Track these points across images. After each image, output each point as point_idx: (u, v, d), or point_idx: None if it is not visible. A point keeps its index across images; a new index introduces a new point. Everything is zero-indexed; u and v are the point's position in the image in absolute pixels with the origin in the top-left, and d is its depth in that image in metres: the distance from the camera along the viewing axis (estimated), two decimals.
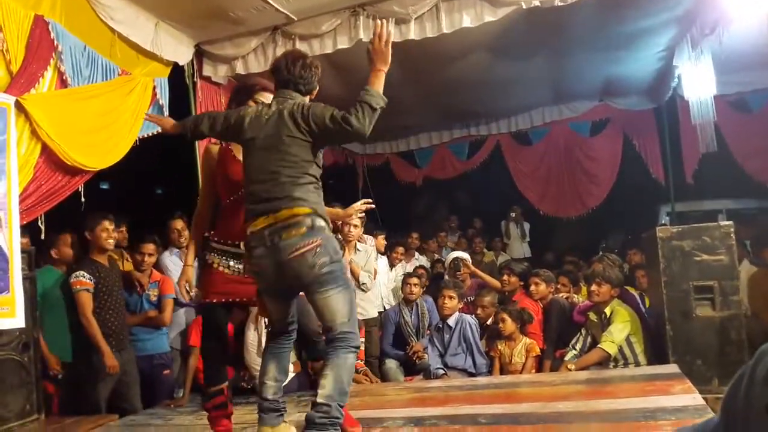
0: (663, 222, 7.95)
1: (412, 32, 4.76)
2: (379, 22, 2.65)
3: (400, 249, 6.61)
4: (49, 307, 4.05)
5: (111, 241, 4.11)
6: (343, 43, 4.91)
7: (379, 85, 2.59)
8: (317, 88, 2.74)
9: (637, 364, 4.06)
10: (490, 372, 4.51)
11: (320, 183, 2.60)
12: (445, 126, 8.82)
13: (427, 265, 6.80)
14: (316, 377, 3.12)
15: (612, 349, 4.06)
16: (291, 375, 4.33)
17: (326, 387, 2.34)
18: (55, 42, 3.99)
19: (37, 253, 4.01)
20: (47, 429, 3.54)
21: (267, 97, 2.90)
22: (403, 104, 7.17)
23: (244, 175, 2.61)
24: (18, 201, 3.63)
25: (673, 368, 3.64)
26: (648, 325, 4.29)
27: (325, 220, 2.52)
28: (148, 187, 10.31)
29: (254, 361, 4.27)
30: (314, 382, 4.11)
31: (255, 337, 4.26)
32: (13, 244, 3.56)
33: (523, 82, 6.88)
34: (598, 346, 4.11)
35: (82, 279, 3.92)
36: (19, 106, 3.68)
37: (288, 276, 2.45)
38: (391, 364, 4.91)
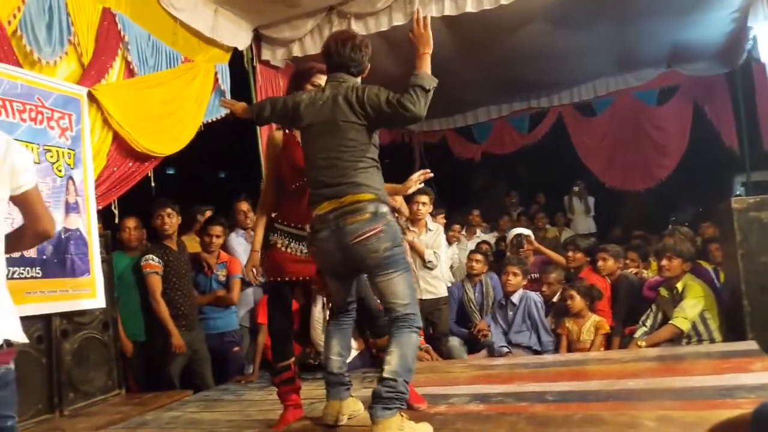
0: (738, 193, 7.60)
1: (469, 4, 4.69)
2: (416, 8, 2.64)
3: (457, 227, 6.57)
4: (122, 289, 4.24)
5: (167, 227, 4.25)
6: (399, 20, 4.88)
7: (427, 67, 2.56)
8: (368, 66, 2.73)
9: (712, 341, 3.92)
10: (556, 350, 4.44)
11: (379, 164, 2.62)
12: (505, 99, 8.66)
13: (492, 240, 6.75)
14: (379, 354, 3.16)
15: (685, 326, 3.92)
16: (354, 353, 4.40)
17: (392, 363, 2.38)
18: (122, 33, 4.13)
19: (111, 238, 4.20)
20: (128, 403, 3.72)
21: (324, 80, 2.89)
22: (461, 79, 7.08)
23: (305, 160, 2.64)
24: (94, 187, 3.81)
25: (751, 345, 3.49)
26: (723, 300, 4.13)
27: (388, 205, 2.56)
28: (212, 172, 10.58)
29: (320, 337, 4.35)
30: (377, 359, 4.16)
31: (321, 314, 4.34)
32: (92, 228, 3.74)
33: (585, 51, 6.66)
34: (670, 322, 3.98)
35: (152, 262, 4.09)
36: (91, 97, 3.85)
37: (351, 259, 2.49)
38: (455, 342, 4.90)
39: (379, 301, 2.60)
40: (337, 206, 2.49)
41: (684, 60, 7.33)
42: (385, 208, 2.52)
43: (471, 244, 6.26)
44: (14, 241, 1.82)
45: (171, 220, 4.30)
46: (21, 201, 1.73)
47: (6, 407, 1.59)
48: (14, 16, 3.42)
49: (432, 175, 3.40)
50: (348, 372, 2.82)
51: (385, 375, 2.36)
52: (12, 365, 1.63)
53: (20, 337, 1.66)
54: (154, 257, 4.10)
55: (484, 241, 6.31)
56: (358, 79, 2.68)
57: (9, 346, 1.60)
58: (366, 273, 2.58)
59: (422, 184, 4.26)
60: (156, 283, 4.07)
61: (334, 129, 2.54)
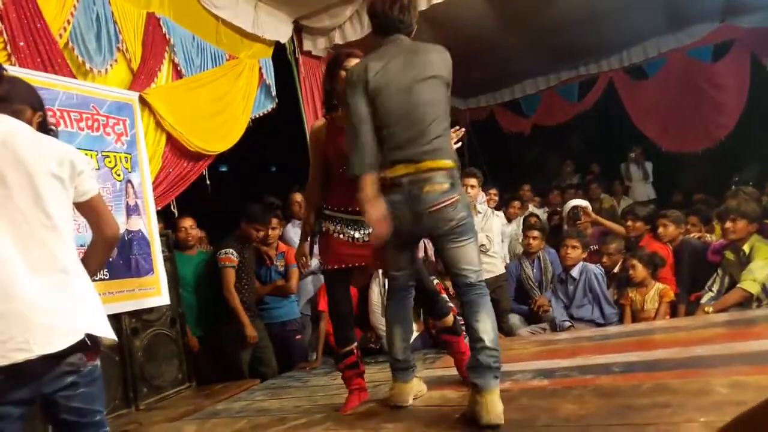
0: None
1: None
2: None
3: (517, 203, 6.49)
4: (186, 286, 4.39)
5: (191, 239, 4.51)
6: None
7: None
8: (416, 28, 2.67)
9: None
10: (620, 321, 4.34)
11: None
12: (552, 69, 8.47)
13: (543, 215, 6.64)
14: (441, 336, 3.17)
15: (754, 288, 3.78)
16: (415, 334, 4.43)
17: (489, 332, 2.39)
18: (167, 36, 4.24)
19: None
20: (198, 397, 3.84)
21: (354, 62, 2.87)
22: (505, 52, 6.98)
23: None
24: (152, 188, 3.94)
25: None
26: None
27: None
28: (263, 166, 10.74)
29: (379, 321, 4.40)
30: (437, 340, 4.19)
31: (379, 298, 4.38)
32: (152, 228, 3.88)
33: (632, 12, 6.45)
34: (738, 285, 3.84)
35: (231, 256, 4.20)
36: (142, 101, 3.97)
37: (423, 225, 2.47)
38: (515, 319, 4.87)
39: (449, 268, 2.53)
40: (413, 171, 2.43)
41: (738, 12, 7.00)
42: (458, 176, 2.51)
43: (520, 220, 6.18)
44: (91, 257, 1.86)
45: (192, 232, 4.51)
46: (86, 207, 1.79)
47: (94, 402, 1.67)
48: (65, 29, 3.56)
49: (464, 131, 3.25)
50: (411, 354, 2.81)
51: (488, 345, 2.36)
52: (98, 362, 1.71)
53: (105, 333, 1.72)
54: (234, 252, 4.21)
55: (532, 214, 6.19)
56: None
57: (94, 343, 1.66)
58: (437, 240, 2.52)
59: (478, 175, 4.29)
60: (231, 276, 4.18)
61: (412, 87, 2.46)
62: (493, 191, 5.60)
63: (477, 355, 2.38)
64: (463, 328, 2.86)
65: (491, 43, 6.53)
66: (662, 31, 7.53)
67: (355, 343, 3.01)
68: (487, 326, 2.40)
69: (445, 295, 3.40)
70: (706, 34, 7.49)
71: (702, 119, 7.84)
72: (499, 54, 7.06)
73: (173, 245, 4.25)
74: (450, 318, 3.01)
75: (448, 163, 2.46)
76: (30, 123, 1.78)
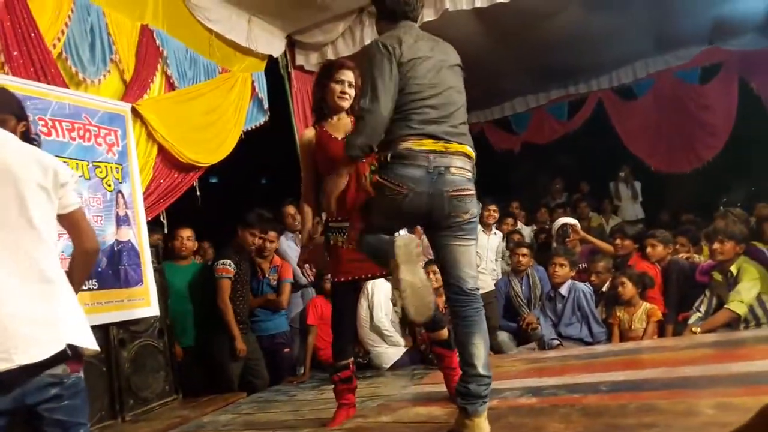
0: None
1: None
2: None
3: (510, 220, 6.53)
4: (172, 298, 4.37)
5: (185, 250, 4.51)
6: (429, 16, 4.87)
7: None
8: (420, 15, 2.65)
9: None
10: (608, 340, 4.36)
11: None
12: (542, 87, 8.54)
13: (531, 233, 6.67)
14: (434, 349, 3.13)
15: (741, 310, 3.81)
16: (402, 350, 4.43)
17: (482, 357, 2.29)
18: (161, 48, 4.25)
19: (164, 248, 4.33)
20: (184, 408, 3.81)
21: (346, 74, 2.94)
22: (495, 69, 7.03)
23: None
24: (142, 199, 3.93)
25: None
26: None
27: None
28: (254, 178, 10.74)
29: (367, 335, 4.40)
30: (425, 355, 4.19)
31: (367, 312, 4.38)
32: (143, 239, 3.86)
33: (621, 33, 6.53)
34: (726, 306, 3.87)
35: (228, 267, 4.19)
36: (134, 112, 3.97)
37: (436, 209, 2.31)
38: (504, 337, 4.87)
39: (449, 269, 2.37)
40: (442, 150, 2.31)
41: (726, 35, 7.08)
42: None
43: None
44: (74, 271, 1.83)
45: (188, 243, 4.51)
46: (68, 220, 1.79)
47: (77, 415, 1.66)
48: (59, 39, 3.57)
49: None
50: (396, 370, 2.79)
51: (481, 372, 2.27)
52: (81, 374, 1.69)
53: (88, 343, 1.70)
54: (231, 263, 4.20)
55: (515, 231, 6.21)
56: None
57: (77, 354, 1.65)
58: (441, 232, 2.36)
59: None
60: (227, 288, 4.16)
61: (441, 69, 2.41)
62: (492, 207, 5.58)
63: (468, 383, 2.28)
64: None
65: (482, 61, 6.58)
66: (651, 53, 7.64)
67: (352, 358, 3.00)
68: (481, 351, 2.30)
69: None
70: (695, 56, 7.59)
71: (690, 140, 7.94)
72: (489, 71, 7.11)
73: (165, 255, 4.24)
74: (445, 332, 2.99)
75: (472, 152, 2.41)
76: (14, 132, 1.77)
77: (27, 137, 1.81)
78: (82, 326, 1.71)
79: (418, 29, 2.51)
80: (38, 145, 1.83)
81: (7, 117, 1.77)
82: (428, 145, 2.30)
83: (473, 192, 2.38)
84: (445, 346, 3.01)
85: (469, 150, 2.39)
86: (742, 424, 0.77)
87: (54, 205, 1.72)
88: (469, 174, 2.37)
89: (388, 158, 2.33)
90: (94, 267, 3.48)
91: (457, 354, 2.59)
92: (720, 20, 6.61)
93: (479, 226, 5.18)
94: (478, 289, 2.38)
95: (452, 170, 2.31)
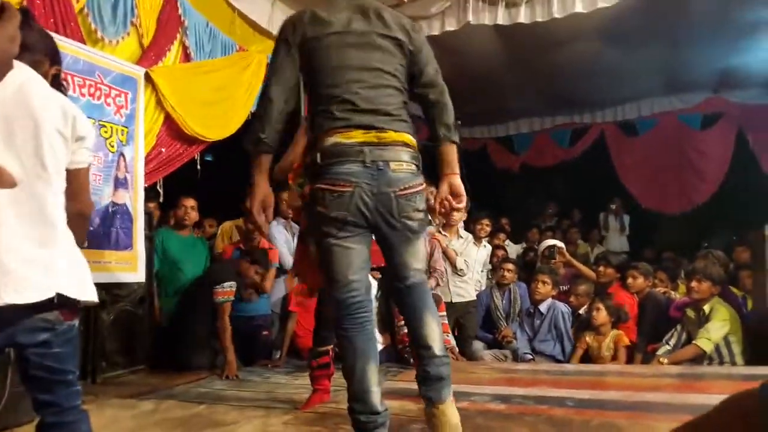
0: None
1: (522, 15, 4.73)
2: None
3: (502, 236, 6.62)
4: (165, 264, 4.40)
5: (187, 220, 4.57)
6: (451, 25, 4.96)
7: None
8: None
9: (734, 364, 3.93)
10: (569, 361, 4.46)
11: None
12: (548, 112, 8.66)
13: (520, 250, 6.78)
14: (410, 348, 3.18)
15: (708, 347, 3.93)
16: (379, 347, 4.48)
17: (437, 339, 2.09)
18: (182, 18, 4.28)
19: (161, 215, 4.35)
20: (154, 378, 3.84)
21: None
22: (506, 88, 7.14)
23: (324, 71, 2.08)
24: (143, 165, 3.96)
25: None
26: (749, 326, 4.11)
27: None
28: (249, 161, 10.77)
29: None
30: (402, 353, 4.24)
31: None
32: (138, 204, 3.89)
33: (632, 71, 6.66)
34: (694, 342, 4.00)
35: (232, 290, 4.07)
36: (147, 78, 3.99)
37: (385, 211, 2.04)
38: (478, 346, 4.95)
39: (398, 268, 2.15)
40: (375, 141, 2.02)
41: (731, 86, 7.26)
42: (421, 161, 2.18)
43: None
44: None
45: (192, 213, 4.55)
46: (72, 177, 1.74)
47: (67, 362, 1.63)
48: None
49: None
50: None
51: (437, 353, 2.07)
52: (75, 322, 1.67)
53: (81, 294, 1.65)
54: (234, 285, 4.08)
55: (500, 247, 6.28)
56: None
57: (71, 302, 1.63)
58: (388, 233, 2.08)
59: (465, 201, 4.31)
60: (227, 310, 4.02)
61: (375, 42, 2.10)
62: (485, 221, 5.63)
63: (426, 366, 2.09)
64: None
65: (494, 78, 6.69)
66: (658, 93, 7.78)
67: (332, 345, 3.00)
68: (434, 332, 2.10)
69: None
70: (699, 102, 7.74)
71: (683, 183, 8.09)
72: (499, 89, 7.23)
73: (160, 222, 4.25)
74: None
75: (412, 139, 2.12)
76: (46, 76, 1.79)
77: (57, 82, 1.83)
78: (79, 276, 1.67)
79: (362, 1, 2.16)
80: (65, 93, 1.86)
81: (41, 59, 1.78)
82: (358, 136, 2.02)
83: (422, 186, 2.12)
84: None
85: (410, 138, 2.11)
86: (704, 414, 0.84)
87: (68, 153, 1.73)
88: (413, 166, 2.09)
89: (318, 159, 2.03)
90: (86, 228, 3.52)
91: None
92: (727, 71, 6.78)
93: (470, 237, 5.25)
94: (425, 278, 2.21)
95: (393, 165, 2.03)
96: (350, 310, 2.04)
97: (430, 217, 5.06)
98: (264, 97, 2.11)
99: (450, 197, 2.21)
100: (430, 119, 2.20)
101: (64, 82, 1.94)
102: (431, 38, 4.99)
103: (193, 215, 4.60)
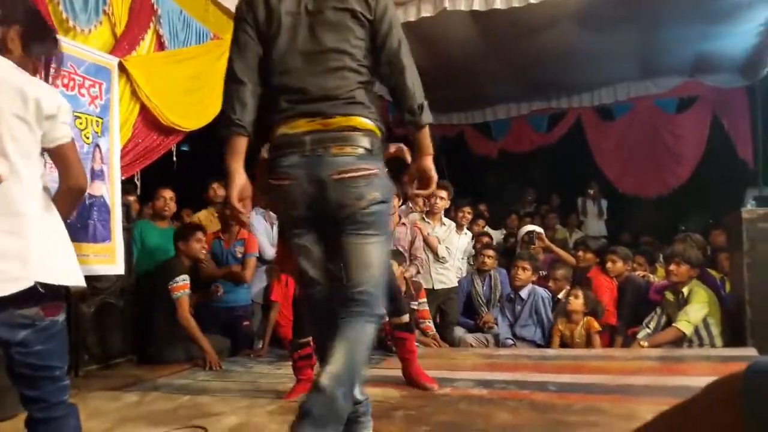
0: (749, 206, 7.56)
1: (498, 1, 4.71)
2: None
3: (482, 222, 6.66)
4: (144, 256, 4.35)
5: (167, 211, 4.58)
6: (428, 11, 4.93)
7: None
8: None
9: (713, 346, 4.00)
10: (548, 346, 4.51)
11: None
12: (525, 98, 8.67)
13: (500, 237, 6.83)
14: (392, 333, 3.18)
15: (687, 329, 4.00)
16: None
17: (335, 364, 1.70)
18: (155, 6, 4.19)
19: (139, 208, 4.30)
20: (137, 370, 3.84)
21: None
22: (483, 74, 7.13)
23: (276, 60, 1.94)
24: (119, 157, 3.90)
25: (751, 351, 3.57)
26: (727, 308, 4.19)
27: (383, 144, 2.01)
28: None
29: None
30: (384, 342, 4.25)
31: None
32: (115, 197, 3.83)
33: (609, 56, 6.69)
34: (673, 325, 4.06)
35: (184, 283, 3.99)
36: (121, 67, 3.91)
37: (325, 200, 1.88)
38: (460, 332, 4.99)
39: (344, 269, 1.91)
40: (320, 128, 1.88)
41: (706, 70, 7.33)
42: (380, 146, 1.96)
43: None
44: (59, 204, 1.75)
45: (171, 204, 4.53)
46: (54, 155, 1.70)
47: (52, 359, 1.60)
48: None
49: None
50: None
51: (322, 382, 1.65)
52: (59, 317, 1.63)
53: (66, 280, 1.60)
54: (184, 277, 4.00)
55: (485, 233, 6.34)
56: None
57: (54, 295, 1.59)
58: (338, 227, 1.90)
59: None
60: (186, 304, 3.96)
61: (328, 19, 1.92)
62: (467, 209, 5.63)
63: (309, 392, 1.70)
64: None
65: (471, 65, 6.68)
66: (633, 77, 7.82)
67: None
68: (337, 358, 1.71)
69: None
70: (674, 86, 7.81)
71: (659, 167, 8.17)
72: (476, 76, 7.22)
73: (139, 214, 4.21)
74: (406, 317, 3.06)
75: (366, 123, 1.91)
76: (3, 41, 1.67)
77: (26, 42, 1.69)
78: (60, 262, 1.62)
79: None
80: (54, 39, 1.77)
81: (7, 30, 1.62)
82: (302, 126, 1.89)
83: (371, 171, 1.88)
84: (406, 329, 3.08)
85: (362, 121, 1.91)
86: (690, 397, 0.85)
87: (36, 137, 1.62)
88: (360, 150, 1.88)
89: (270, 153, 1.99)
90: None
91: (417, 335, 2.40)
92: (702, 56, 6.84)
93: (452, 225, 5.25)
94: (372, 294, 1.84)
95: (333, 150, 1.86)
96: (313, 306, 2.02)
97: (411, 205, 5.07)
98: (232, 79, 1.98)
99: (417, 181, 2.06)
100: (395, 104, 2.02)
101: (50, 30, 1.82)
102: (407, 24, 5.00)
103: (172, 206, 4.58)
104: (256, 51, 1.97)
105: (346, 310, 1.83)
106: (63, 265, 1.63)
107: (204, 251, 4.32)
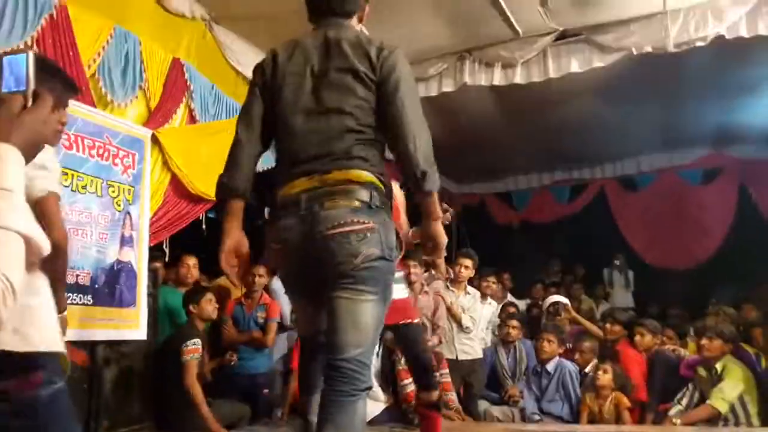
0: None
1: (518, 76, 4.82)
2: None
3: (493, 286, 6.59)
4: (169, 320, 4.38)
5: (190, 277, 4.57)
6: (448, 87, 5.06)
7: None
8: (367, 10, 2.10)
9: (750, 425, 3.83)
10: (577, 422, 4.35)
11: (384, 144, 1.96)
12: (546, 168, 8.74)
13: (523, 306, 6.73)
14: (419, 408, 3.09)
15: (723, 407, 3.84)
16: (382, 406, 4.40)
17: None
18: (188, 82, 4.39)
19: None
20: None
21: None
22: (504, 145, 7.23)
23: (280, 128, 1.95)
24: (149, 224, 3.99)
25: None
26: (764, 385, 4.03)
27: (389, 199, 1.91)
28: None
29: None
30: (407, 415, 4.16)
31: None
32: (143, 263, 3.91)
33: (630, 127, 6.76)
34: (708, 402, 3.91)
35: (197, 347, 3.95)
36: (154, 139, 4.07)
37: (318, 259, 1.79)
38: (485, 405, 4.85)
39: (328, 329, 1.82)
40: (317, 185, 1.80)
41: (730, 142, 7.35)
42: (383, 200, 1.85)
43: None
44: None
45: (194, 271, 4.56)
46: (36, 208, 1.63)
47: None
48: (94, 60, 3.69)
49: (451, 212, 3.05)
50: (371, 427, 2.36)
51: None
52: (44, 391, 1.41)
53: (26, 345, 1.38)
54: (197, 341, 3.96)
55: (511, 303, 6.26)
56: (357, 25, 2.07)
57: (28, 364, 1.38)
58: (330, 284, 1.80)
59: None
60: (194, 369, 3.91)
61: (331, 80, 1.88)
62: (492, 279, 5.58)
63: None
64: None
65: (492, 135, 6.78)
66: (656, 148, 7.86)
67: None
68: None
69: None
70: (698, 158, 7.82)
71: (686, 239, 8.07)
72: (497, 146, 7.31)
73: (165, 280, 4.25)
74: (437, 393, 2.99)
75: (365, 175, 1.82)
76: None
77: None
78: (26, 325, 1.39)
79: (329, 29, 1.96)
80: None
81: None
82: (301, 185, 1.83)
83: (368, 225, 1.77)
84: (436, 408, 2.99)
85: (360, 173, 1.81)
86: None
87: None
88: (356, 203, 1.78)
89: (269, 215, 1.97)
90: (92, 283, 3.51)
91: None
92: (724, 127, 6.86)
93: (477, 294, 5.19)
94: (359, 361, 1.73)
95: (327, 204, 1.77)
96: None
97: (434, 272, 5.05)
98: (233, 141, 2.00)
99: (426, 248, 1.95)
100: (400, 171, 1.91)
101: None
102: (428, 99, 5.13)
103: (195, 273, 4.61)
104: (259, 112, 1.96)
105: (328, 381, 1.72)
106: (32, 326, 1.43)
107: (216, 311, 4.25)
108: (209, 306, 4.16)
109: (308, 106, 1.89)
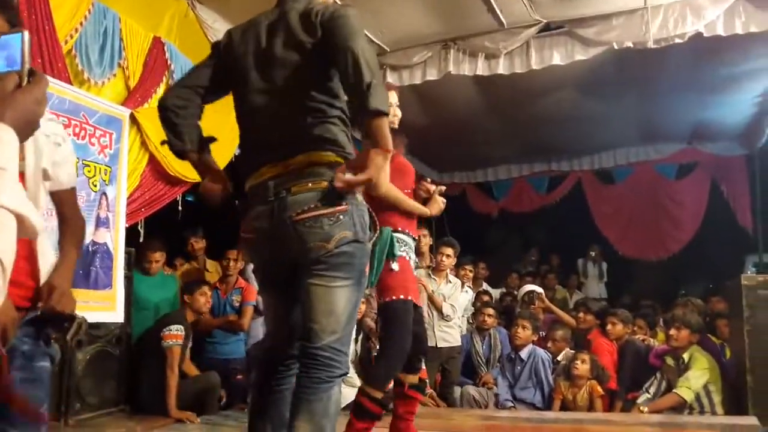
0: (749, 272, 7.58)
1: (501, 67, 4.83)
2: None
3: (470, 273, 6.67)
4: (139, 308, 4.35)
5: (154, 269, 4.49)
6: (432, 75, 5.05)
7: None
8: None
9: (714, 414, 3.95)
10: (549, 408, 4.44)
11: (348, 117, 1.84)
12: (526, 159, 8.79)
13: (497, 295, 6.81)
14: (408, 392, 3.00)
15: (688, 396, 3.95)
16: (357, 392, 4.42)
17: None
18: (169, 62, 4.32)
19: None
20: (130, 420, 3.76)
21: (393, 96, 2.65)
22: (485, 135, 7.26)
23: (237, 105, 1.96)
24: (125, 205, 3.95)
25: (752, 420, 3.51)
26: (728, 375, 4.15)
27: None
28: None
29: None
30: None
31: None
32: (119, 244, 3.87)
33: (609, 121, 6.83)
34: (674, 390, 4.02)
35: (178, 333, 3.96)
36: (132, 119, 4.01)
37: (288, 246, 1.73)
38: (459, 392, 4.91)
39: (303, 317, 1.77)
40: (282, 171, 1.75)
41: (704, 138, 7.47)
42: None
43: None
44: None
45: (156, 265, 4.51)
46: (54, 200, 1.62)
47: None
48: (71, 36, 3.61)
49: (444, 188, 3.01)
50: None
51: None
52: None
53: None
54: (180, 328, 3.97)
55: (485, 292, 6.33)
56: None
57: None
58: (303, 270, 1.74)
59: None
60: (176, 355, 3.92)
61: (278, 56, 1.79)
62: (468, 267, 5.66)
63: None
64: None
65: (473, 125, 6.81)
66: (634, 142, 7.95)
67: None
68: None
69: None
70: (673, 152, 7.94)
71: (659, 231, 8.22)
72: (478, 136, 7.35)
73: (135, 264, 4.22)
74: (417, 376, 2.99)
75: (331, 156, 1.74)
76: None
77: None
78: None
79: (285, 4, 1.87)
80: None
81: None
82: (267, 172, 1.79)
83: (338, 208, 1.70)
84: (419, 389, 2.96)
85: (325, 155, 1.74)
86: None
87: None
88: (325, 183, 1.71)
89: (239, 206, 1.94)
90: None
91: None
92: (700, 123, 6.98)
93: (458, 282, 5.22)
94: (334, 348, 1.69)
95: (294, 189, 1.72)
96: (255, 369, 2.00)
97: (417, 260, 5.07)
98: (163, 106, 2.03)
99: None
100: (346, 93, 1.78)
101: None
102: (412, 87, 5.13)
103: (158, 266, 4.55)
104: (203, 75, 1.98)
105: (303, 369, 1.68)
106: None
107: (207, 305, 4.25)
108: (201, 298, 4.15)
109: (260, 86, 1.83)
